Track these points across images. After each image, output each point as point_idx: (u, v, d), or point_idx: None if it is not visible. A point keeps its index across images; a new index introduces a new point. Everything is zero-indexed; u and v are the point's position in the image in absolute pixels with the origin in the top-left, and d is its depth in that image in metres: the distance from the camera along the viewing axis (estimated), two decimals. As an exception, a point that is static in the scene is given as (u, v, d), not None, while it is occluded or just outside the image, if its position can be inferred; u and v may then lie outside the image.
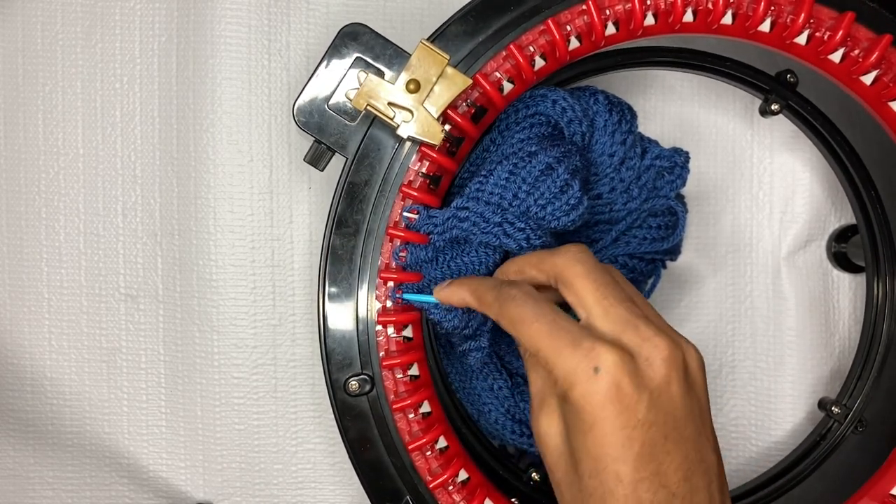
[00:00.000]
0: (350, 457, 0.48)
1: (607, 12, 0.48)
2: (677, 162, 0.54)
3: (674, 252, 0.57)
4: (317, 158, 0.48)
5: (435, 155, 0.47)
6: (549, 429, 0.39)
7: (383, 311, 0.47)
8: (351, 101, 0.47)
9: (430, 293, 0.46)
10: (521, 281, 0.43)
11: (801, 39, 0.49)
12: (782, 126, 0.62)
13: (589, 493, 0.37)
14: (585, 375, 0.37)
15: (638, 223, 0.54)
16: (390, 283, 0.47)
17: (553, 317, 0.39)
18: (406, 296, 0.47)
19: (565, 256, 0.41)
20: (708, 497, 0.38)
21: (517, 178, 0.47)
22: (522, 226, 0.46)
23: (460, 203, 0.47)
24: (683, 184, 0.54)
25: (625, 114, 0.52)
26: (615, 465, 0.36)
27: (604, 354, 0.37)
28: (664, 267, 0.58)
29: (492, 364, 0.53)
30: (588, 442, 0.37)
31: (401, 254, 0.47)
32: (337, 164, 0.48)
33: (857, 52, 0.49)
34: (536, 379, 0.40)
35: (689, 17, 0.48)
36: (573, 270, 0.40)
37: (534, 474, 0.54)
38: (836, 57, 0.49)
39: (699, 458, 0.38)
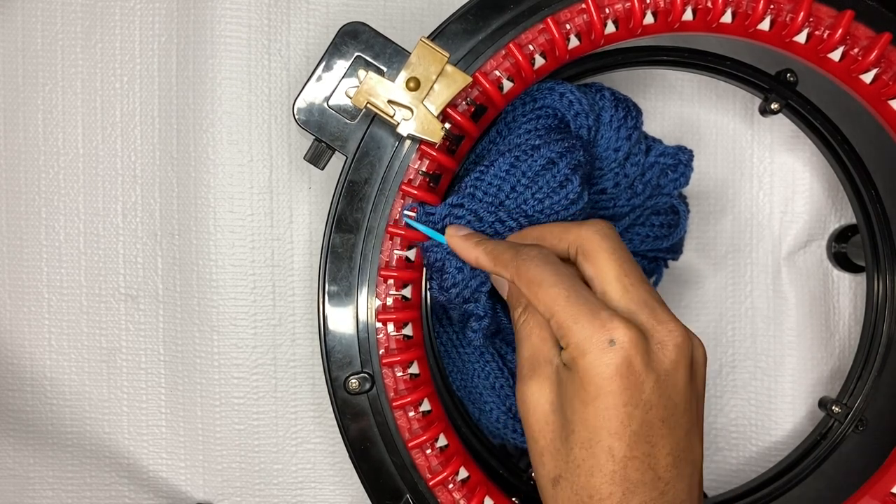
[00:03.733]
0: (350, 455, 0.48)
1: (607, 11, 0.48)
2: (681, 160, 0.54)
3: (675, 251, 0.57)
4: (317, 157, 0.48)
5: (435, 153, 0.47)
6: (538, 395, 0.39)
7: (383, 309, 0.47)
8: (351, 99, 0.47)
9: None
10: (540, 245, 0.42)
11: (801, 38, 0.49)
12: (782, 126, 0.62)
13: (577, 463, 0.37)
14: (599, 346, 0.36)
15: (641, 221, 0.54)
16: (408, 201, 0.47)
17: (572, 282, 0.39)
18: (415, 223, 0.47)
19: (592, 229, 0.41)
20: (688, 487, 0.38)
21: (517, 170, 0.47)
22: (513, 224, 0.46)
23: (455, 200, 0.47)
24: (687, 182, 0.54)
25: (630, 110, 0.52)
26: (610, 439, 0.36)
27: (620, 329, 0.37)
28: (666, 266, 0.58)
29: (493, 362, 0.53)
30: (587, 412, 0.37)
31: (410, 212, 0.47)
32: (337, 163, 0.48)
33: (856, 50, 0.49)
34: (530, 344, 0.41)
35: (688, 15, 0.48)
36: (598, 244, 0.40)
37: (534, 474, 0.54)
38: (835, 55, 0.49)
39: (689, 447, 0.39)
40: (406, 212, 0.47)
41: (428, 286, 0.50)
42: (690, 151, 0.55)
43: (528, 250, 0.41)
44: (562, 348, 0.39)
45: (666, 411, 0.37)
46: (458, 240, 0.45)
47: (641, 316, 0.38)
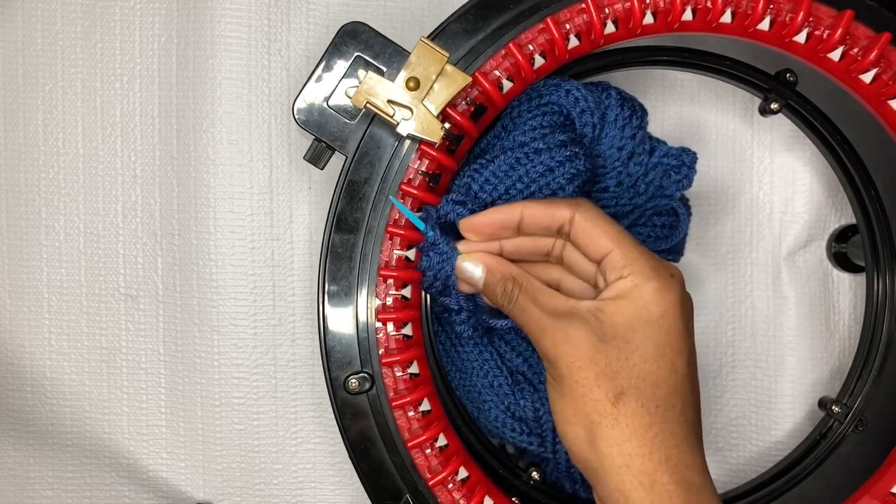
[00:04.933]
0: (350, 455, 0.48)
1: (606, 11, 0.48)
2: (685, 161, 0.54)
3: (676, 251, 0.57)
4: (317, 157, 0.48)
5: (434, 153, 0.47)
6: (581, 331, 0.42)
7: (383, 309, 0.47)
8: (351, 99, 0.47)
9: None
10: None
11: (801, 38, 0.49)
12: (782, 126, 0.62)
13: (642, 377, 0.41)
14: (665, 276, 0.42)
15: (643, 221, 0.54)
16: (408, 201, 0.48)
17: (621, 227, 0.44)
18: (399, 204, 0.47)
19: (584, 204, 0.44)
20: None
21: (515, 173, 0.47)
22: None
23: (456, 197, 0.47)
24: (690, 184, 0.54)
25: (636, 110, 0.52)
26: (673, 354, 0.41)
27: (674, 266, 0.43)
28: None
29: (492, 361, 0.53)
30: (652, 330, 0.41)
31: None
32: (337, 162, 0.48)
33: (856, 50, 0.49)
34: (541, 306, 0.43)
35: (688, 15, 0.48)
36: (595, 216, 0.43)
37: (534, 473, 0.54)
38: (835, 55, 0.49)
39: None
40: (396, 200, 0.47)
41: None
42: (694, 153, 0.55)
43: (577, 198, 0.46)
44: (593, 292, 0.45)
45: (694, 344, 0.43)
46: (490, 214, 0.46)
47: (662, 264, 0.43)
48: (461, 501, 0.47)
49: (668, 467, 0.40)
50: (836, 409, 0.58)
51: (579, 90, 0.51)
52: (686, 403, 0.41)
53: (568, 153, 0.48)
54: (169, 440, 0.61)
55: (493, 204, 0.48)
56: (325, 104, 0.48)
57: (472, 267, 0.46)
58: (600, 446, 0.41)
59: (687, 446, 0.41)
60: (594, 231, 0.43)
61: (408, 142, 0.47)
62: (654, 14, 0.48)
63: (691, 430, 0.42)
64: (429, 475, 0.47)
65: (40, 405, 0.61)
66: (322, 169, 0.49)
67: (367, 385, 0.47)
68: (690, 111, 0.63)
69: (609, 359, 0.41)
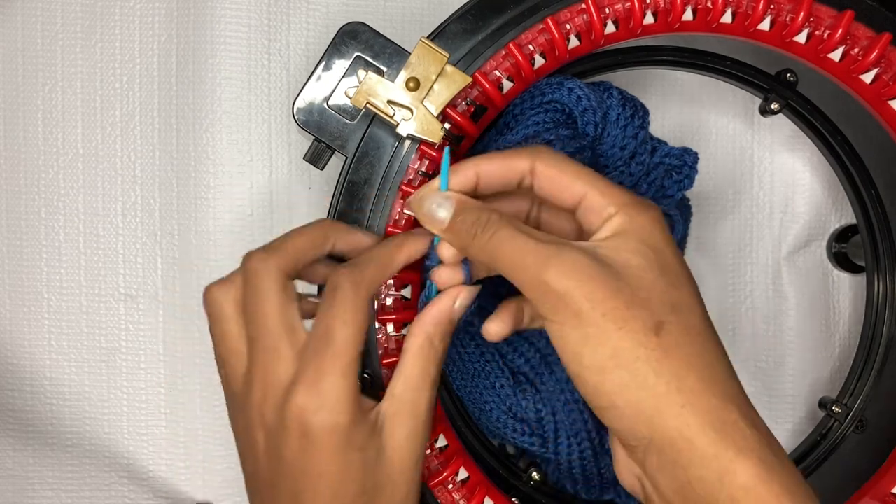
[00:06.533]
0: (350, 456, 0.48)
1: (607, 11, 0.48)
2: (686, 161, 0.54)
3: (676, 252, 0.57)
4: (316, 157, 0.48)
5: (434, 153, 0.47)
6: (589, 263, 0.36)
7: (382, 310, 0.47)
8: (350, 99, 0.47)
9: None
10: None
11: (801, 38, 0.49)
12: (782, 126, 0.62)
13: (681, 305, 0.38)
14: (651, 206, 0.39)
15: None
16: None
17: (588, 167, 0.41)
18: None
19: (541, 152, 0.40)
20: None
21: None
22: None
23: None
24: (691, 184, 0.54)
25: (637, 109, 0.52)
26: (690, 282, 0.39)
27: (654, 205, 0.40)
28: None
29: (494, 362, 0.53)
30: (663, 259, 0.38)
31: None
32: (337, 163, 0.48)
33: (856, 50, 0.49)
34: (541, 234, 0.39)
35: (688, 15, 0.48)
36: (552, 153, 0.40)
37: (534, 474, 0.54)
38: (835, 55, 0.49)
39: None
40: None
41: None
42: (696, 153, 0.54)
43: (537, 145, 0.42)
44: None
45: None
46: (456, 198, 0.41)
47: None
48: (461, 502, 0.47)
49: (731, 402, 0.36)
50: (836, 409, 0.58)
51: (582, 89, 0.51)
52: (708, 338, 0.38)
53: (577, 145, 0.48)
54: (169, 440, 0.61)
55: None
56: (324, 104, 0.48)
57: (437, 207, 0.40)
58: (654, 386, 0.35)
59: (736, 381, 0.37)
60: (562, 177, 0.39)
61: (408, 142, 0.47)
62: (654, 14, 0.48)
63: (730, 363, 0.38)
64: (429, 476, 0.47)
65: (40, 405, 0.61)
66: (322, 169, 0.49)
67: (367, 386, 0.47)
68: (691, 111, 0.63)
69: (632, 288, 0.36)
